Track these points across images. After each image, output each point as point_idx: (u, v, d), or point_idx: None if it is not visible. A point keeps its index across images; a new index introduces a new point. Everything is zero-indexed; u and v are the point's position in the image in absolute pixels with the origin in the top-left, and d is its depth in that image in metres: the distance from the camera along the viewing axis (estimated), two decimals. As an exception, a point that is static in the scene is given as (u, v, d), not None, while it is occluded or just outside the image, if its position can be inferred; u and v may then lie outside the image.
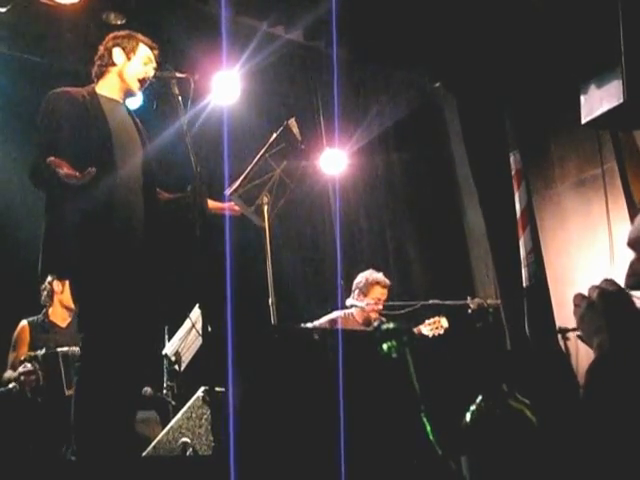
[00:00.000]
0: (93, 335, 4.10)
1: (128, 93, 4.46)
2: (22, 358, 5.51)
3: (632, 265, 2.04)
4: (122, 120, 4.39)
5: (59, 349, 5.48)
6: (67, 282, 5.91)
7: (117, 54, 4.41)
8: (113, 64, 4.40)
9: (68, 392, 5.39)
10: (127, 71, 4.41)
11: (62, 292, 6.00)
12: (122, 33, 4.51)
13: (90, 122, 4.20)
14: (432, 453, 1.60)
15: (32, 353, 5.51)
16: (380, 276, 6.85)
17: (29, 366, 5.34)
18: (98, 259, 4.04)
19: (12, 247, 6.97)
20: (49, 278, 5.90)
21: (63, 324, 6.05)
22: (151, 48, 4.51)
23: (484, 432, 1.71)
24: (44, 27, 6.40)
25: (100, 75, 4.43)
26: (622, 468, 1.52)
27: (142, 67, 4.43)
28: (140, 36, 4.51)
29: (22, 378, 5.29)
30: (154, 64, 4.49)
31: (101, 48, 4.46)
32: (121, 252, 4.11)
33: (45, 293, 6.06)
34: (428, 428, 1.61)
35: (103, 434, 4.02)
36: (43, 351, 5.48)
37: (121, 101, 4.45)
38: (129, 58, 4.41)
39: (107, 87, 4.40)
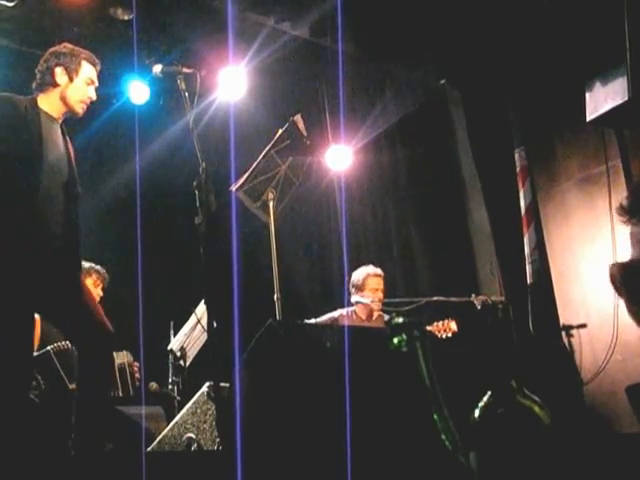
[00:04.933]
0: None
1: (68, 114, 4.29)
2: None
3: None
4: (56, 141, 4.20)
5: (49, 346, 5.48)
6: (88, 281, 5.91)
7: (59, 74, 4.20)
8: (56, 84, 4.20)
9: (72, 386, 5.41)
10: (70, 93, 4.21)
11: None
12: (64, 50, 4.28)
13: (25, 136, 4.04)
14: (442, 448, 1.61)
15: None
16: (369, 267, 6.89)
17: None
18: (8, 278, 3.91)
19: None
20: None
21: None
22: (93, 65, 4.31)
23: (493, 428, 1.72)
24: (51, 21, 6.41)
25: (41, 90, 4.23)
26: None
27: (85, 88, 4.25)
28: (82, 53, 4.31)
29: None
30: (96, 84, 4.32)
31: (42, 63, 4.26)
32: (33, 271, 3.97)
33: None
34: (438, 423, 1.62)
35: None
36: (36, 353, 5.48)
37: (59, 120, 4.27)
38: (71, 79, 4.20)
39: (48, 104, 4.20)
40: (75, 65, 4.22)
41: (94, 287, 5.96)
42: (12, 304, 3.92)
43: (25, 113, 4.07)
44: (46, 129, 4.12)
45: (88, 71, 4.27)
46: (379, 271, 6.87)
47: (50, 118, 4.19)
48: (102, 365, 4.15)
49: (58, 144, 4.20)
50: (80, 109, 4.26)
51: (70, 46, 4.31)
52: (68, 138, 4.31)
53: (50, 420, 5.14)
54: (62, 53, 4.25)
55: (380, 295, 6.78)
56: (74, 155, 4.31)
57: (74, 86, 4.22)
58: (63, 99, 4.21)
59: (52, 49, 4.30)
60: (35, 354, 5.40)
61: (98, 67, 4.33)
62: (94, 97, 4.30)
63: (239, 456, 2.98)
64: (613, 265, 2.12)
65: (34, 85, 4.26)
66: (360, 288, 6.79)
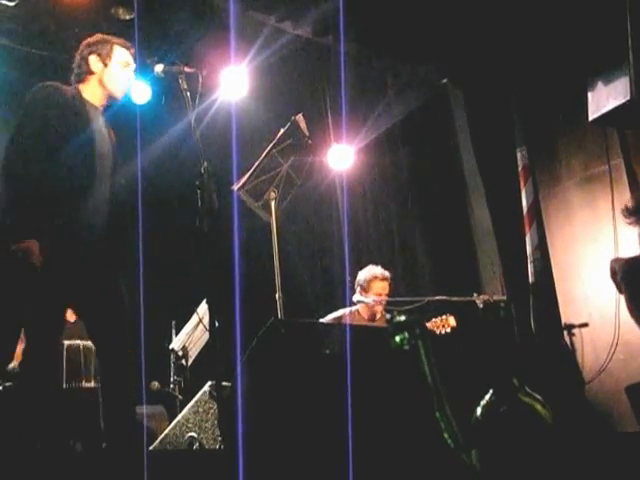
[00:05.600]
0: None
1: (110, 99, 4.38)
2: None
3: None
4: (101, 129, 4.30)
5: (65, 342, 5.46)
6: None
7: (94, 62, 4.29)
8: (92, 72, 4.29)
9: (65, 385, 5.39)
10: (106, 78, 4.29)
11: None
12: (95, 39, 4.38)
13: (77, 124, 4.12)
14: (444, 446, 1.61)
15: None
16: (378, 270, 6.85)
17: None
18: (47, 262, 3.92)
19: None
20: None
21: (71, 319, 6.05)
22: (126, 48, 4.40)
23: (495, 426, 1.72)
24: (52, 21, 6.41)
25: (80, 81, 4.32)
26: None
27: (121, 71, 4.34)
28: (114, 39, 4.40)
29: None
30: (133, 66, 4.40)
31: (77, 57, 4.36)
32: (79, 259, 4.03)
33: None
34: (441, 421, 1.62)
35: None
36: None
37: (101, 108, 4.36)
38: (106, 64, 4.30)
39: (89, 93, 4.30)
40: (107, 50, 4.31)
41: None
42: (51, 291, 3.97)
43: (73, 101, 4.17)
44: (93, 119, 4.22)
45: (121, 54, 4.36)
46: (387, 274, 6.82)
47: (93, 107, 4.28)
48: (123, 366, 4.15)
49: (103, 132, 4.30)
50: (119, 93, 4.35)
51: (101, 35, 4.41)
52: (112, 130, 4.41)
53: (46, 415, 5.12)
54: (94, 42, 4.35)
55: (383, 301, 6.76)
56: (117, 146, 4.41)
57: (109, 71, 4.31)
58: (102, 84, 4.30)
59: (85, 41, 4.39)
60: None
61: (132, 50, 4.42)
62: (132, 79, 4.39)
63: (241, 455, 2.98)
64: (614, 260, 2.14)
65: (73, 78, 4.34)
66: (365, 289, 6.77)
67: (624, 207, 2.15)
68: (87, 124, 4.16)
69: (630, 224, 2.20)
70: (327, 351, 4.05)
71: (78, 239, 4.05)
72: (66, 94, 4.18)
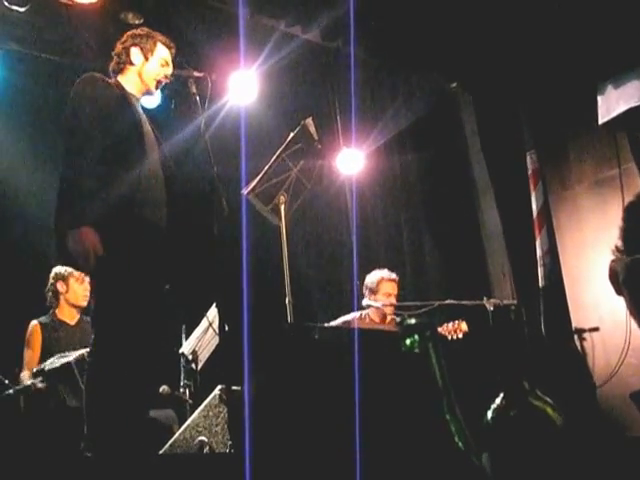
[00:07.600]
0: (107, 331, 4.06)
1: (145, 92, 4.42)
2: (34, 370, 5.50)
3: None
4: (142, 117, 4.34)
5: (72, 357, 5.44)
6: (71, 281, 5.97)
7: (135, 54, 4.33)
8: (131, 63, 4.34)
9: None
10: (145, 71, 4.35)
11: (67, 292, 6.01)
12: (140, 32, 4.45)
13: (125, 112, 4.18)
14: (454, 449, 1.60)
15: (39, 368, 5.47)
16: (384, 272, 6.92)
17: (39, 385, 5.34)
18: (122, 254, 4.00)
19: (18, 247, 7.00)
20: (52, 279, 5.97)
21: (72, 322, 6.06)
22: (168, 47, 4.45)
23: (505, 429, 1.72)
24: (62, 27, 6.42)
25: (118, 71, 4.38)
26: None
27: (159, 68, 4.38)
28: (158, 35, 4.45)
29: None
30: (171, 65, 4.45)
31: (119, 45, 4.40)
32: (144, 248, 4.10)
33: (50, 294, 6.05)
34: (451, 424, 1.61)
35: (114, 430, 4.02)
36: (52, 365, 5.44)
37: (139, 97, 4.42)
38: (147, 58, 4.35)
39: (128, 83, 4.34)
40: (150, 45, 4.38)
41: (79, 283, 5.98)
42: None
43: (117, 90, 4.23)
44: (135, 107, 4.28)
45: (163, 52, 4.42)
46: (394, 275, 6.89)
47: (133, 97, 4.34)
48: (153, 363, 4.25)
49: (146, 121, 4.35)
50: (154, 87, 4.40)
51: (146, 29, 4.49)
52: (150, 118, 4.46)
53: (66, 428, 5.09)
54: (138, 35, 4.42)
55: (393, 300, 6.79)
56: (159, 132, 4.45)
57: (149, 65, 4.37)
58: (140, 77, 4.36)
59: (129, 32, 4.46)
60: (57, 366, 5.38)
61: (173, 50, 4.48)
62: (169, 77, 4.42)
63: (247, 459, 2.97)
64: (614, 260, 2.14)
65: (111, 68, 4.40)
66: (373, 291, 6.81)
67: (615, 247, 2.16)
68: (133, 111, 4.23)
69: (619, 261, 2.19)
70: (332, 349, 4.04)
71: (141, 226, 4.14)
72: (110, 82, 4.26)
